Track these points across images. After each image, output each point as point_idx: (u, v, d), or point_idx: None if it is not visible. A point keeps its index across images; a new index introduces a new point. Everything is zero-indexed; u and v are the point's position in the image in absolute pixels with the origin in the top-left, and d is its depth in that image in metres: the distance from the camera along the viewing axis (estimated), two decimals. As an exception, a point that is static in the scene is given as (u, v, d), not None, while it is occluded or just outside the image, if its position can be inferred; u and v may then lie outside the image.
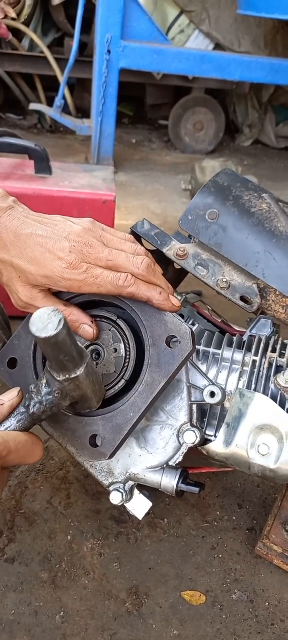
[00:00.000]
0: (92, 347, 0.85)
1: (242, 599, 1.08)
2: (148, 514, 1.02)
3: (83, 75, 4.35)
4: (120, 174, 3.66)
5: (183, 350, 0.80)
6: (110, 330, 0.85)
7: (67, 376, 0.66)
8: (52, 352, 0.62)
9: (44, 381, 0.68)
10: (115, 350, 0.85)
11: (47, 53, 4.06)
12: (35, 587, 1.05)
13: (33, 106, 3.84)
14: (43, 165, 1.65)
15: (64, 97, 3.73)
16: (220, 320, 1.29)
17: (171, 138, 4.57)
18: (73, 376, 0.66)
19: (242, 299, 0.92)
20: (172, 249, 0.98)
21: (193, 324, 1.18)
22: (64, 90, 3.61)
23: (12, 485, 1.25)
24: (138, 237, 1.02)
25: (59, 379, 0.66)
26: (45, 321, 0.58)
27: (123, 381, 0.84)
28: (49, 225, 0.79)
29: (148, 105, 5.35)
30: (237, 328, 1.24)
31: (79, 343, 0.67)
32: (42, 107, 3.90)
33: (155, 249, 1.00)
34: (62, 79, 3.61)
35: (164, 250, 0.98)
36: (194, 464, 1.10)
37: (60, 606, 1.03)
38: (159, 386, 0.80)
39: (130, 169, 3.82)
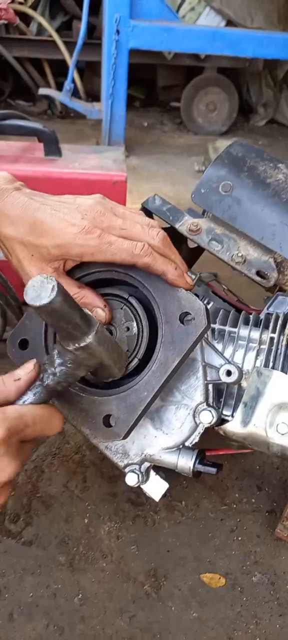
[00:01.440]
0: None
1: (263, 581, 1.06)
2: (165, 495, 1.01)
3: (92, 58, 4.30)
4: (132, 158, 3.62)
5: (197, 326, 0.77)
6: (121, 308, 0.83)
7: (77, 345, 0.64)
8: (52, 321, 0.60)
9: (56, 352, 0.66)
10: (128, 328, 0.83)
11: (55, 36, 4.02)
12: (52, 569, 1.05)
13: (42, 91, 3.80)
14: (52, 147, 1.63)
15: (74, 81, 3.69)
16: (236, 299, 1.27)
17: (183, 119, 4.50)
18: (82, 344, 0.64)
19: (258, 273, 0.89)
20: (185, 224, 0.95)
21: (208, 303, 1.17)
22: (73, 73, 3.57)
23: (28, 469, 1.25)
24: (149, 213, 0.99)
25: (68, 348, 0.64)
26: (38, 289, 0.56)
27: (136, 360, 0.82)
28: (57, 201, 0.77)
29: (159, 87, 5.28)
30: (253, 307, 1.21)
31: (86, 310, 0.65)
32: (51, 92, 3.86)
33: (168, 225, 0.98)
34: (71, 62, 3.56)
35: (176, 226, 0.96)
36: (211, 445, 1.08)
37: (78, 589, 1.02)
38: (173, 364, 0.78)
39: (142, 153, 3.77)
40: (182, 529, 1.14)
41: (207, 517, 1.17)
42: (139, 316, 0.83)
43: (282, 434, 0.88)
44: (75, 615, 0.98)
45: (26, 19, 4.33)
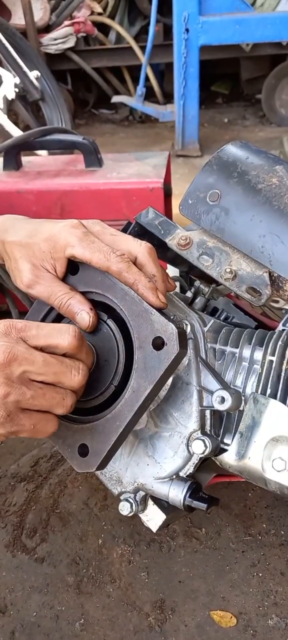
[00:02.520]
0: None
1: (279, 625, 0.96)
2: (166, 526, 0.96)
3: (170, 59, 4.25)
4: (206, 158, 3.49)
5: (169, 352, 0.71)
6: (100, 330, 0.79)
7: None
8: None
9: None
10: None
11: (132, 43, 4.05)
12: (59, 590, 1.04)
13: (115, 99, 3.85)
14: (92, 158, 1.62)
15: (149, 85, 3.69)
16: (261, 312, 1.17)
17: (265, 111, 4.30)
18: None
19: (250, 290, 0.80)
20: (175, 238, 0.89)
21: (226, 317, 1.08)
22: (144, 77, 3.56)
23: (53, 483, 1.26)
24: (142, 228, 0.94)
25: None
26: None
27: (112, 386, 0.77)
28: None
29: (243, 80, 5.11)
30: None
31: None
32: (123, 99, 3.90)
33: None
34: (142, 67, 3.56)
35: (167, 241, 0.89)
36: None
37: (82, 613, 1.00)
38: (145, 393, 0.72)
39: (218, 150, 3.66)
40: (198, 558, 1.08)
41: (227, 548, 1.09)
42: (116, 340, 0.78)
43: (278, 471, 0.79)
44: (74, 641, 0.96)
45: (105, 29, 4.41)
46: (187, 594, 1.02)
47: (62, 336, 0.66)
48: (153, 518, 0.91)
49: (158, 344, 0.70)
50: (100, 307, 0.75)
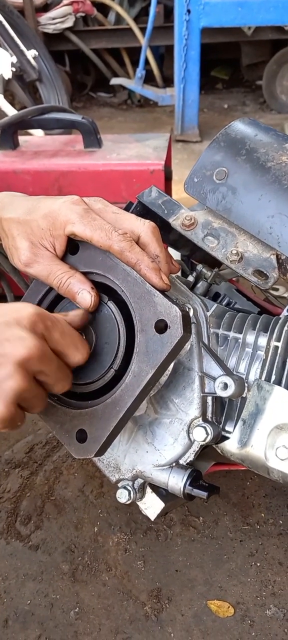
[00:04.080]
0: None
1: (277, 616, 0.94)
2: (164, 514, 0.94)
3: (170, 42, 4.19)
4: (206, 143, 3.47)
5: (172, 336, 0.68)
6: (100, 312, 0.76)
7: None
8: None
9: None
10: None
11: (132, 24, 3.98)
12: (54, 578, 1.02)
13: (114, 81, 3.80)
14: (91, 139, 1.59)
15: (148, 68, 3.63)
16: (263, 298, 1.14)
17: (265, 98, 4.25)
18: None
19: (256, 273, 0.78)
20: (179, 218, 0.86)
21: (228, 303, 1.06)
22: (144, 60, 3.51)
23: (48, 470, 1.24)
24: (145, 207, 0.91)
25: None
26: None
27: (112, 370, 0.75)
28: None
29: (244, 66, 5.05)
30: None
31: None
32: (122, 81, 3.84)
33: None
34: (142, 49, 3.50)
35: (170, 221, 0.86)
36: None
37: (76, 601, 0.98)
38: (146, 378, 0.70)
39: (217, 136, 3.62)
40: (196, 547, 1.06)
41: (225, 537, 1.07)
42: (117, 322, 0.75)
43: (282, 460, 0.76)
44: (69, 630, 0.94)
45: (104, 9, 4.34)
46: (183, 583, 1.00)
47: (76, 352, 0.65)
48: (152, 506, 0.89)
49: (161, 327, 0.67)
50: (100, 289, 0.72)
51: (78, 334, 0.67)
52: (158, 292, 0.69)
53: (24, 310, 0.59)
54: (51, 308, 0.74)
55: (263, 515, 1.11)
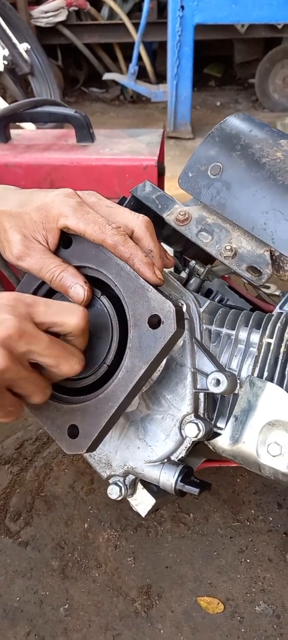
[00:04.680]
0: None
1: (267, 612, 0.95)
2: (155, 511, 0.93)
3: (163, 38, 4.19)
4: (198, 140, 3.47)
5: (166, 331, 0.68)
6: (93, 306, 0.76)
7: None
8: None
9: None
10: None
11: (125, 19, 3.97)
12: (44, 574, 1.01)
13: (106, 76, 3.78)
14: (84, 133, 1.57)
15: (141, 64, 3.62)
16: (255, 295, 1.14)
17: (258, 96, 4.27)
18: None
19: (250, 269, 0.77)
20: (173, 213, 0.85)
21: (221, 300, 1.05)
22: (137, 56, 3.50)
23: (38, 466, 1.23)
24: (138, 202, 0.91)
25: None
26: None
27: (104, 366, 0.74)
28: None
29: (236, 64, 5.06)
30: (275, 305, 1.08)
31: None
32: (115, 76, 3.83)
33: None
34: (135, 45, 3.49)
35: (164, 215, 0.86)
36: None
37: (66, 598, 0.98)
38: (139, 373, 0.69)
39: (209, 133, 3.62)
40: (186, 544, 1.06)
41: (215, 534, 1.07)
42: (110, 317, 0.75)
43: (273, 456, 0.76)
44: (58, 627, 0.94)
45: (98, 4, 4.32)
46: (174, 579, 1.00)
47: (70, 315, 0.62)
48: (143, 502, 0.89)
49: (155, 322, 0.67)
50: (93, 283, 0.71)
51: (66, 302, 0.65)
52: (151, 287, 0.68)
53: (4, 296, 0.59)
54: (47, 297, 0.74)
55: (253, 512, 1.11)
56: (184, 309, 0.80)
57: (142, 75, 4.22)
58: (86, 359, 0.71)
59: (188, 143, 3.46)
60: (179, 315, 0.68)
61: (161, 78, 4.38)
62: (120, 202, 0.88)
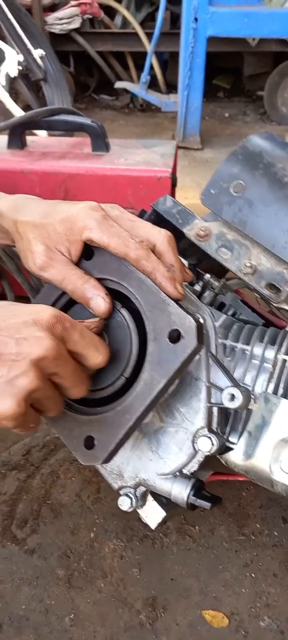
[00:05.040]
0: None
1: (271, 627, 0.95)
2: (164, 523, 0.93)
3: (175, 48, 4.20)
4: (207, 151, 3.49)
5: (186, 346, 0.68)
6: (113, 318, 0.76)
7: None
8: None
9: None
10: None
11: (138, 28, 3.99)
12: (49, 583, 1.01)
13: (119, 84, 3.80)
14: (99, 142, 1.58)
15: (153, 73, 3.64)
16: (268, 310, 1.14)
17: (266, 109, 4.28)
18: None
19: (269, 287, 0.78)
20: (194, 229, 0.86)
21: (234, 313, 1.06)
22: (150, 65, 3.51)
23: (44, 473, 1.23)
24: (159, 216, 0.91)
25: None
26: None
27: (122, 378, 0.74)
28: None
29: (246, 76, 5.07)
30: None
31: None
32: (127, 85, 3.85)
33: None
34: (148, 54, 3.51)
35: (184, 230, 0.87)
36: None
37: (72, 607, 0.98)
38: (158, 387, 0.69)
39: (218, 145, 3.63)
40: (191, 556, 1.06)
41: (221, 547, 1.07)
42: (129, 330, 0.75)
43: (287, 473, 0.77)
44: (64, 636, 0.94)
45: (111, 12, 4.34)
46: (179, 592, 1.00)
47: (97, 353, 0.65)
48: (153, 514, 0.89)
49: (175, 336, 0.67)
50: (112, 295, 0.71)
51: (97, 336, 0.67)
52: (172, 302, 0.69)
53: (43, 311, 0.60)
54: (65, 309, 0.74)
55: (258, 526, 1.11)
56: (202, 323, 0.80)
57: (152, 84, 4.24)
58: (104, 371, 0.71)
59: (197, 153, 3.47)
60: (199, 331, 0.68)
61: (171, 88, 4.40)
62: (140, 215, 0.89)
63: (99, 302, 0.68)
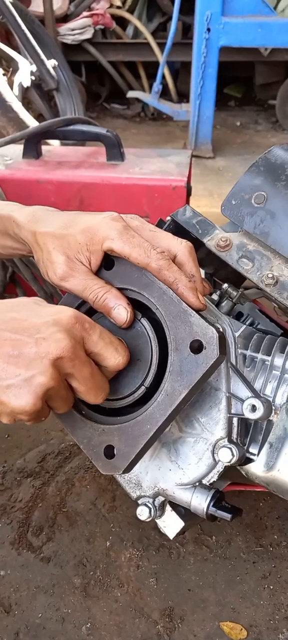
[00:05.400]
0: None
1: (291, 642, 0.94)
2: (182, 533, 0.93)
3: (187, 58, 4.23)
4: (218, 159, 3.50)
5: (208, 357, 0.68)
6: (133, 328, 0.76)
7: None
8: None
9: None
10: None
11: (150, 39, 4.02)
12: (66, 592, 1.01)
13: (131, 94, 3.82)
14: (114, 152, 1.59)
15: (165, 82, 3.66)
16: (286, 320, 1.14)
17: (278, 118, 4.28)
18: None
19: (292, 297, 0.78)
20: (214, 239, 0.86)
21: (251, 324, 1.06)
22: (162, 75, 3.53)
23: (60, 481, 1.23)
24: (178, 226, 0.91)
25: None
26: None
27: (143, 388, 0.74)
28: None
29: (257, 85, 5.08)
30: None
31: None
32: (139, 94, 3.87)
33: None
34: (160, 64, 3.53)
35: (205, 241, 0.87)
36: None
37: (88, 616, 0.97)
38: (179, 397, 0.69)
39: (230, 153, 3.64)
40: (208, 567, 1.05)
41: (238, 558, 1.06)
42: (150, 340, 0.75)
43: (307, 486, 0.76)
44: (81, 645, 0.93)
45: (123, 23, 4.37)
46: (196, 603, 1.00)
47: (116, 355, 0.65)
48: (171, 525, 0.88)
49: (196, 347, 0.67)
50: (133, 305, 0.71)
51: (117, 338, 0.67)
52: (194, 312, 0.69)
53: (64, 312, 0.62)
54: None
55: (276, 537, 1.10)
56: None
57: (163, 93, 4.26)
58: (124, 380, 0.72)
59: (209, 162, 3.47)
60: (221, 341, 0.68)
61: (182, 97, 4.42)
62: (159, 225, 0.89)
63: (121, 311, 0.68)
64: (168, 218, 0.95)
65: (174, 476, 0.85)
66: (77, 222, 0.72)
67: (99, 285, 0.69)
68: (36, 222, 0.75)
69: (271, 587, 1.02)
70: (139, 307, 0.72)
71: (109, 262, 0.72)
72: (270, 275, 0.80)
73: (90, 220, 0.71)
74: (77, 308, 0.74)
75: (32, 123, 2.20)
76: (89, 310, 0.74)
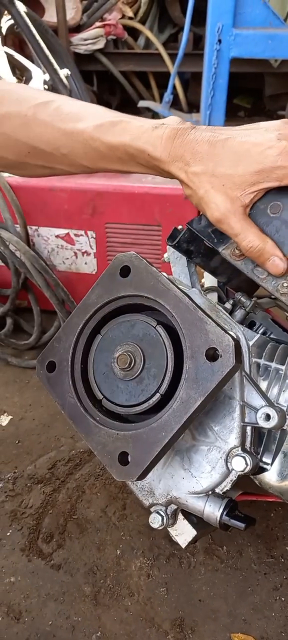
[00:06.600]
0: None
1: (304, 656, 0.93)
2: (194, 542, 0.92)
3: (197, 69, 4.25)
4: (229, 169, 3.50)
5: (223, 365, 0.68)
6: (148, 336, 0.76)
7: None
8: None
9: None
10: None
11: (161, 49, 4.04)
12: (76, 600, 1.01)
13: (142, 103, 3.84)
14: (126, 160, 1.60)
15: (175, 93, 3.67)
16: (299, 330, 1.14)
17: None
18: None
19: (306, 307, 0.78)
20: (229, 248, 0.86)
21: (264, 333, 1.05)
22: (173, 85, 3.55)
23: (70, 487, 1.23)
24: (194, 234, 0.91)
25: None
26: None
27: (158, 395, 0.74)
28: (242, 129, 0.74)
29: (266, 96, 5.09)
30: None
31: None
32: (150, 104, 3.88)
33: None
34: (171, 74, 3.54)
35: (220, 249, 0.87)
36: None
37: (98, 625, 0.97)
38: (194, 405, 0.69)
39: (240, 164, 3.63)
40: (219, 577, 1.04)
41: (249, 569, 1.05)
42: (165, 347, 0.75)
43: None
44: (91, 654, 0.93)
45: (135, 33, 4.40)
46: (207, 613, 0.99)
47: None
48: (183, 533, 0.88)
49: (212, 355, 0.67)
50: (147, 313, 0.72)
51: None
52: (210, 320, 0.68)
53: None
54: (101, 324, 0.75)
55: (287, 548, 1.09)
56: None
57: (173, 103, 4.27)
58: (139, 386, 0.72)
59: (219, 173, 3.48)
60: (237, 349, 0.68)
61: (192, 107, 4.43)
62: (173, 234, 0.89)
63: (277, 262, 0.71)
64: (180, 227, 0.95)
65: (187, 484, 0.85)
66: (241, 158, 0.70)
67: (255, 234, 0.72)
68: (186, 164, 0.73)
69: (282, 598, 1.01)
70: (153, 315, 0.73)
71: (125, 270, 0.73)
72: (285, 285, 0.80)
73: (260, 156, 0.70)
74: (94, 313, 0.75)
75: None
76: (106, 316, 0.74)
